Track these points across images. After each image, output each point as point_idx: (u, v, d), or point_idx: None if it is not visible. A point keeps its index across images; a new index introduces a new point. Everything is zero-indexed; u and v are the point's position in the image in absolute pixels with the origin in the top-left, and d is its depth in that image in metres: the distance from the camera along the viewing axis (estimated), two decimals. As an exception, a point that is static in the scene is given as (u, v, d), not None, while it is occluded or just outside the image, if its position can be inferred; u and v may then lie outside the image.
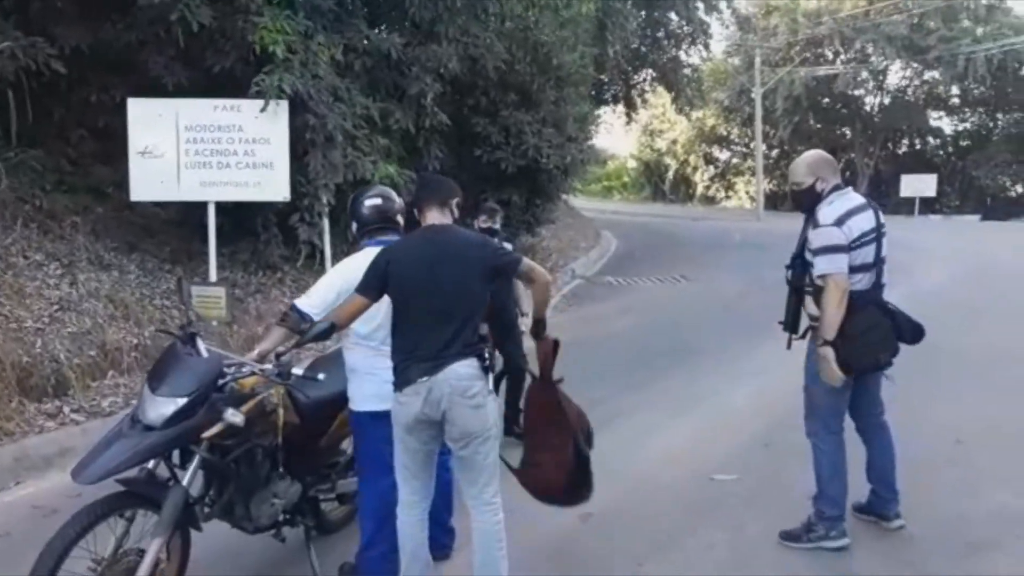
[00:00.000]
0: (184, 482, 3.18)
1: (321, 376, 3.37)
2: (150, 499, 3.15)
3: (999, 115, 37.74)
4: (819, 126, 39.56)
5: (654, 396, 6.67)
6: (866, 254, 3.80)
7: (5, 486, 5.00)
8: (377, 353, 3.57)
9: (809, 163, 4.00)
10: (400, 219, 3.88)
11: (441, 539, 3.90)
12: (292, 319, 3.51)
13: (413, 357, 3.17)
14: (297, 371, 3.33)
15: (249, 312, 8.21)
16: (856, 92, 38.18)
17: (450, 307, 3.19)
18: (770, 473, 4.91)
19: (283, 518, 3.71)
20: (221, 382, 3.28)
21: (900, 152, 40.58)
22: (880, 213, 3.94)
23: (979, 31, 32.68)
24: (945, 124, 39.83)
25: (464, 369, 3.14)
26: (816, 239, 3.78)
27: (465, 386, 3.13)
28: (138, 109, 7.52)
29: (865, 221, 3.82)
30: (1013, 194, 36.85)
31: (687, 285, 14.04)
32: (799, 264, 3.95)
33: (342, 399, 3.70)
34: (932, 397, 6.22)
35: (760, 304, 10.34)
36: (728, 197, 46.50)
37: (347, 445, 4.02)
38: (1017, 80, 34.18)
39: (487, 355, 3.21)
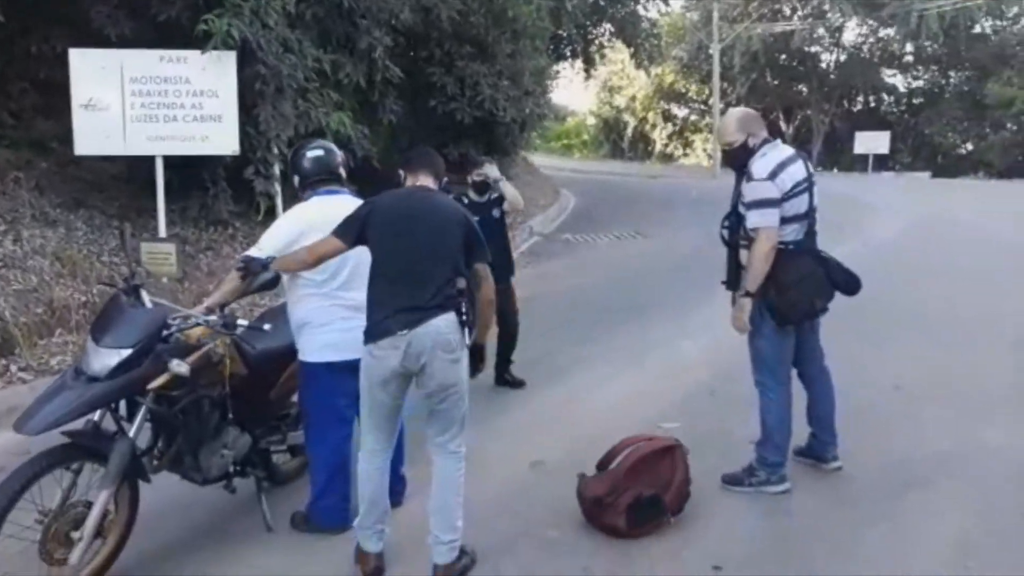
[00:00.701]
0: (131, 433, 3.18)
1: (267, 327, 3.39)
2: (96, 451, 3.15)
3: (951, 73, 38.28)
4: (776, 83, 39.78)
5: (607, 349, 6.76)
6: (799, 204, 3.85)
7: (-49, 444, 4.94)
8: (333, 302, 3.59)
9: (739, 119, 4.03)
10: (343, 171, 3.87)
11: (393, 486, 3.92)
12: (254, 264, 3.49)
13: (392, 309, 3.15)
14: (243, 322, 3.34)
15: (200, 268, 8.12)
16: (812, 49, 38.44)
17: (430, 261, 3.19)
18: (714, 420, 5.03)
19: (233, 469, 3.72)
20: (166, 333, 3.27)
21: (855, 109, 41.00)
22: (809, 164, 4.00)
23: (933, -12, 32.99)
24: (899, 82, 40.35)
25: (444, 323, 3.13)
26: (750, 192, 3.83)
27: (446, 340, 3.13)
28: (80, 60, 7.31)
29: (797, 171, 3.86)
30: (963, 151, 37.54)
31: (643, 241, 14.15)
32: (733, 220, 4.02)
33: (291, 351, 3.71)
34: (875, 348, 6.40)
35: (713, 259, 10.37)
36: (686, 155, 46.68)
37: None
38: (969, 38, 34.63)
39: (465, 309, 3.20)
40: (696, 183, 26.04)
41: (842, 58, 39.18)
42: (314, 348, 3.63)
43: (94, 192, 8.57)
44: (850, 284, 3.96)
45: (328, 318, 3.59)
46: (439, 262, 3.19)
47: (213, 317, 3.39)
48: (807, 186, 3.88)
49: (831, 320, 4.14)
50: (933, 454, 4.44)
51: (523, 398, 5.65)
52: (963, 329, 7.20)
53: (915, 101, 39.65)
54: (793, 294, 3.81)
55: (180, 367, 3.17)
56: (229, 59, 7.56)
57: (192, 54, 7.50)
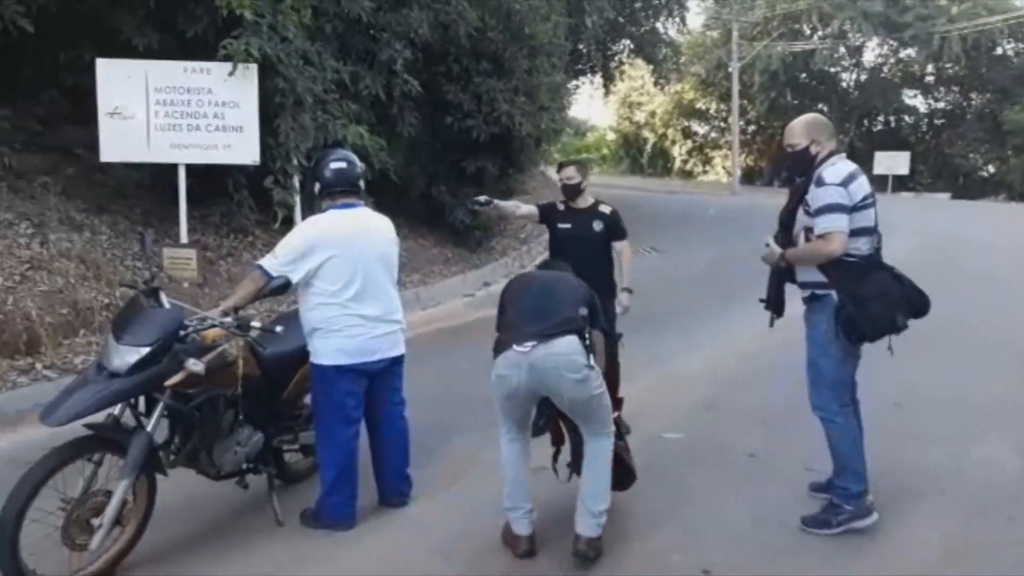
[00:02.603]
0: (148, 428, 3.34)
1: (279, 329, 3.55)
2: (116, 443, 3.32)
3: (972, 95, 38.11)
4: (795, 102, 39.69)
5: (613, 361, 6.87)
6: (868, 217, 3.70)
7: (-22, 439, 5.14)
8: (344, 311, 3.75)
9: (806, 123, 3.87)
10: (361, 184, 4.03)
11: (399, 486, 4.11)
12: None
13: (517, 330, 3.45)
14: (256, 324, 3.50)
15: (220, 274, 8.32)
16: (833, 69, 38.40)
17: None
18: (715, 433, 5.14)
19: (246, 466, 3.88)
20: (183, 333, 3.44)
21: (875, 129, 40.88)
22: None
23: (954, 10, 32.93)
24: (919, 103, 40.19)
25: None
26: (819, 198, 3.64)
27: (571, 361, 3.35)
28: (107, 70, 7.55)
29: (865, 184, 3.72)
30: (984, 174, 37.32)
31: (658, 257, 14.22)
32: (781, 237, 3.88)
33: (302, 354, 3.87)
34: (880, 365, 6.44)
35: (725, 275, 10.62)
36: (705, 171, 46.67)
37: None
38: (991, 60, 34.50)
39: (588, 333, 3.45)
40: (715, 200, 26.09)
41: (862, 78, 39.14)
42: (326, 352, 3.79)
43: (119, 198, 8.79)
44: (922, 305, 3.76)
45: (339, 325, 3.76)
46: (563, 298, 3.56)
47: (228, 319, 3.55)
48: (872, 201, 3.74)
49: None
50: (925, 469, 4.52)
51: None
52: (969, 346, 7.25)
53: (936, 122, 39.51)
54: (875, 307, 3.60)
55: (196, 366, 3.34)
56: (251, 71, 7.78)
57: (215, 65, 7.72)
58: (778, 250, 3.85)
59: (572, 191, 5.20)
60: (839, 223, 3.58)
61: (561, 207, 5.27)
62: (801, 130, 3.83)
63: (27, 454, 4.34)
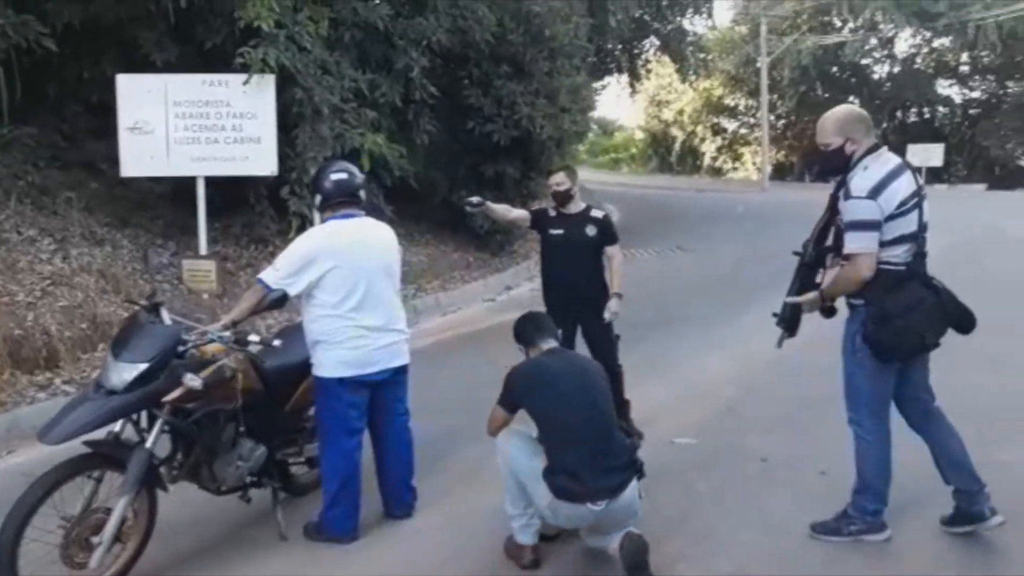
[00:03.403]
0: (148, 444, 3.35)
1: (277, 343, 3.54)
2: (116, 460, 3.33)
3: (1009, 83, 37.25)
4: (826, 96, 39.13)
5: (629, 362, 6.75)
6: (908, 223, 3.37)
7: (-3, 455, 5.21)
8: (345, 323, 3.74)
9: (838, 119, 3.51)
10: (362, 194, 4.01)
11: (402, 497, 4.08)
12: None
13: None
14: (254, 338, 3.49)
15: (240, 285, 8.35)
16: (864, 61, 37.84)
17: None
18: (729, 438, 5.02)
19: (250, 480, 3.87)
20: (182, 349, 3.44)
21: (908, 121, 40.18)
22: (918, 175, 3.49)
23: (989, -4, 32.25)
24: (954, 93, 39.41)
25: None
26: (847, 212, 3.38)
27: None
28: (127, 85, 7.66)
29: (905, 185, 3.37)
30: (1022, 163, 36.50)
31: (683, 256, 14.14)
32: (810, 249, 3.66)
33: (304, 367, 3.86)
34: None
35: (751, 274, 10.47)
36: (735, 168, 46.23)
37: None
38: (1027, 47, 33.74)
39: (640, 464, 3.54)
40: (744, 197, 25.86)
41: (895, 70, 38.50)
42: (328, 364, 3.78)
43: (140, 211, 8.90)
44: (964, 320, 3.48)
45: (342, 337, 3.74)
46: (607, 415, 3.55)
47: (227, 334, 3.55)
48: (916, 201, 3.38)
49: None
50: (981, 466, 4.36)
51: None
52: (1005, 346, 7.03)
53: (971, 112, 38.72)
54: (898, 325, 3.33)
55: (193, 381, 3.34)
56: (268, 82, 7.83)
57: (233, 77, 7.78)
58: (813, 294, 3.62)
59: (562, 197, 5.08)
60: (866, 243, 3.32)
61: (553, 213, 5.16)
62: (833, 127, 3.50)
63: (43, 469, 4.37)
